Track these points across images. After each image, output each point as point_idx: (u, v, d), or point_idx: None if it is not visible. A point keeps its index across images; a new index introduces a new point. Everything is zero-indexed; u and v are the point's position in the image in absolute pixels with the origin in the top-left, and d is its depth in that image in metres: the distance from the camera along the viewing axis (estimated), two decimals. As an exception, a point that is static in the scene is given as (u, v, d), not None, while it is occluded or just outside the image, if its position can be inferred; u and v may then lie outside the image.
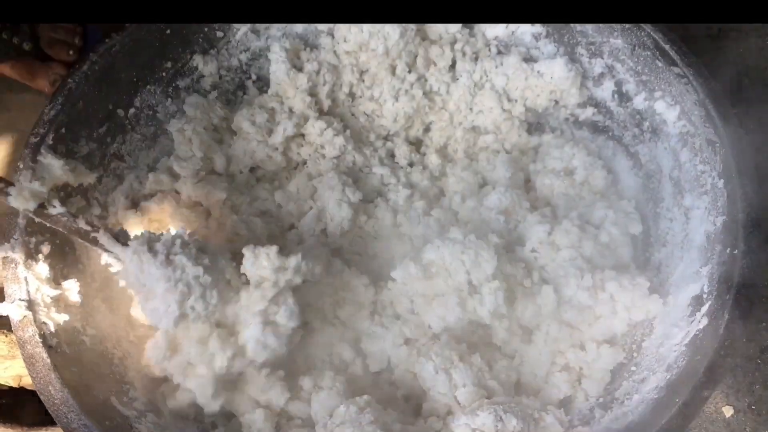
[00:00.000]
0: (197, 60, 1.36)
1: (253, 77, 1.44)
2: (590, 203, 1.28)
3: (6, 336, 1.41)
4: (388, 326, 1.17)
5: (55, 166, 1.12)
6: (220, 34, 1.36)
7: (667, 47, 1.21)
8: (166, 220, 1.27)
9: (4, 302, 1.02)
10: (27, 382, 1.44)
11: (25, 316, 1.01)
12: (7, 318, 1.45)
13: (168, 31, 1.30)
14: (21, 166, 1.11)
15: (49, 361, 0.98)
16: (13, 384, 1.44)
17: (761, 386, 1.36)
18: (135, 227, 1.25)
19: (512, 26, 1.37)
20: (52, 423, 1.43)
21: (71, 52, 1.54)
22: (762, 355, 1.38)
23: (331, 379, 1.11)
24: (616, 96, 1.33)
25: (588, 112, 1.38)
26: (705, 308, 1.04)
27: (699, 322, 1.03)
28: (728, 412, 1.33)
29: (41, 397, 0.96)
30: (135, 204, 1.29)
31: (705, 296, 1.05)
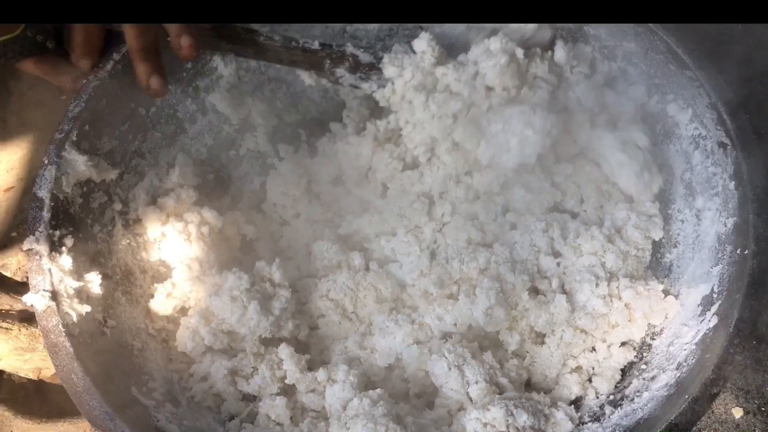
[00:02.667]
0: (217, 61, 1.39)
1: (271, 78, 1.46)
2: (614, 203, 1.29)
3: (26, 329, 1.44)
4: (401, 324, 1.19)
5: (78, 162, 1.16)
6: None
7: (679, 51, 1.22)
8: (184, 214, 1.30)
9: (28, 293, 1.05)
10: (46, 374, 1.47)
11: (49, 307, 1.03)
12: (26, 312, 1.49)
13: (189, 32, 1.33)
14: (46, 161, 1.14)
15: (72, 350, 1.00)
16: (33, 376, 1.47)
17: (771, 388, 1.36)
18: (154, 222, 1.28)
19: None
20: (70, 415, 1.47)
21: None
22: (772, 357, 1.39)
23: (345, 373, 1.13)
24: (628, 99, 1.34)
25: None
26: (715, 307, 1.05)
27: (709, 321, 1.04)
28: (738, 413, 1.34)
29: (64, 386, 0.99)
30: (154, 200, 1.32)
31: (715, 296, 1.07)
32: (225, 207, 1.40)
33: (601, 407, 1.10)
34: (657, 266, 1.24)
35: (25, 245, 1.08)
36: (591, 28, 1.33)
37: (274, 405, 1.12)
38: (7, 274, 1.66)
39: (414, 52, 1.26)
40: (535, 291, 1.23)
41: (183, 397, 1.13)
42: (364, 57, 1.27)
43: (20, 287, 1.63)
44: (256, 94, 1.46)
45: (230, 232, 1.37)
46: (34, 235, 1.08)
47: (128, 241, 1.25)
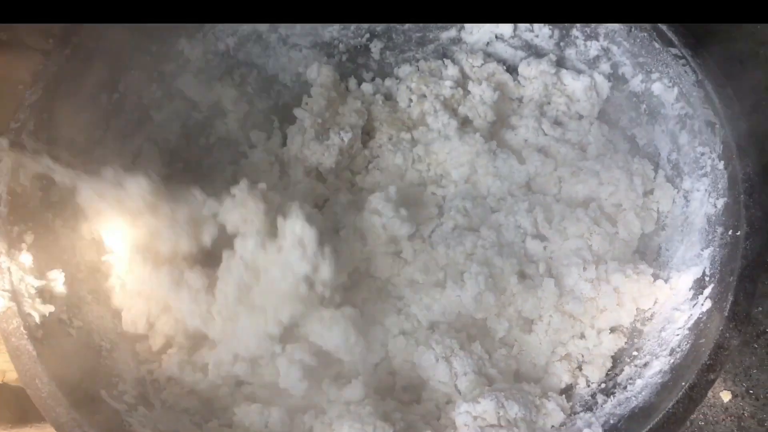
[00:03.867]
0: (183, 43, 1.32)
1: (241, 61, 1.40)
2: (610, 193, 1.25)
3: (-13, 331, 1.36)
4: (388, 315, 1.15)
5: (38, 152, 1.09)
6: (207, 17, 1.32)
7: (664, 28, 1.19)
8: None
9: (-14, 293, 0.98)
10: (11, 378, 1.39)
11: (9, 308, 0.96)
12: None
13: (153, 14, 1.26)
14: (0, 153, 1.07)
15: (35, 353, 0.94)
16: (-4, 380, 1.40)
17: (758, 370, 1.35)
18: (121, 212, 1.21)
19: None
20: (36, 420, 1.40)
21: (50, 41, 1.49)
22: (758, 340, 1.38)
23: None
24: (611, 79, 1.31)
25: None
26: (708, 291, 1.02)
27: (702, 305, 1.01)
28: (726, 396, 1.32)
29: (28, 391, 0.92)
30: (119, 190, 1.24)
31: (707, 279, 1.04)
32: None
33: (593, 396, 1.07)
34: (645, 249, 1.21)
35: (-20, 242, 1.00)
36: (572, 7, 1.29)
37: (249, 411, 1.06)
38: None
39: None
40: (522, 275, 1.19)
41: (156, 399, 1.07)
42: None
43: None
44: (225, 79, 1.40)
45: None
46: (-10, 231, 1.01)
47: (93, 236, 1.18)
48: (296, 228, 1.07)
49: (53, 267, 1.06)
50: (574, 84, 1.33)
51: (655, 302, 1.13)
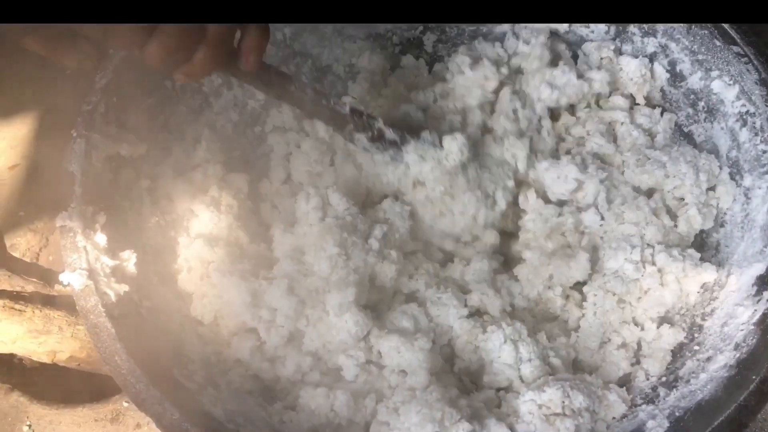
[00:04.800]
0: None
1: (296, 51, 1.42)
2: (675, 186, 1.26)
3: (40, 311, 1.38)
4: (453, 295, 1.17)
5: (108, 135, 1.11)
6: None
7: (726, 26, 1.20)
8: (213, 188, 1.25)
9: (64, 272, 0.99)
10: (61, 358, 1.42)
11: (87, 286, 0.98)
12: (38, 293, 1.44)
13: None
14: (74, 134, 1.08)
15: (113, 331, 0.95)
16: (47, 360, 1.42)
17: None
18: (183, 197, 1.23)
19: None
20: (88, 401, 1.42)
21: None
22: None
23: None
24: (669, 75, 1.32)
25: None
26: (774, 287, 1.03)
27: (767, 300, 1.02)
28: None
29: (107, 368, 0.94)
30: (181, 174, 1.26)
31: (771, 275, 1.05)
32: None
33: (654, 389, 1.08)
34: (702, 246, 1.22)
35: (58, 221, 1.02)
36: (630, 3, 1.30)
37: (314, 395, 1.08)
38: (16, 254, 1.60)
39: (441, 147, 1.22)
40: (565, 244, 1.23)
41: (222, 380, 1.09)
42: (390, 134, 1.21)
43: (30, 268, 1.57)
44: (281, 68, 1.41)
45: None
46: (66, 210, 1.03)
47: (157, 218, 1.20)
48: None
49: (125, 247, 1.08)
50: (630, 63, 1.34)
51: (704, 285, 1.15)
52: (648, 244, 1.19)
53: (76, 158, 1.06)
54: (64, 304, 1.39)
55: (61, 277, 0.98)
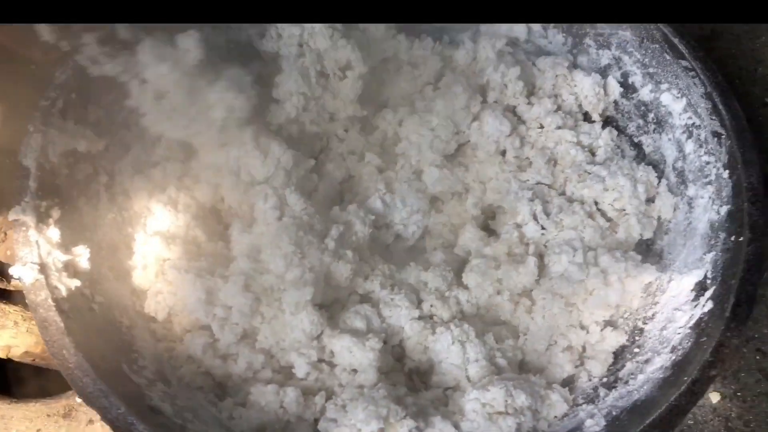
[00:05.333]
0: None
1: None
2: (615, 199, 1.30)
3: (-5, 305, 1.38)
4: (405, 297, 1.19)
5: (65, 130, 1.12)
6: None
7: (675, 41, 1.24)
8: (171, 188, 1.27)
9: (15, 265, 1.00)
10: (15, 353, 1.41)
11: (37, 280, 0.99)
12: (-6, 287, 1.43)
13: (178, 1, 1.28)
14: (31, 129, 1.09)
15: (62, 325, 0.96)
16: (1, 355, 1.41)
17: (746, 374, 1.40)
18: (140, 194, 1.24)
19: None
20: (41, 396, 1.42)
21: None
22: (747, 345, 1.43)
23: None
24: (621, 87, 1.36)
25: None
26: (709, 293, 1.07)
27: (703, 306, 1.06)
28: (715, 398, 1.38)
29: (55, 361, 0.94)
30: (140, 172, 1.27)
31: (709, 282, 1.09)
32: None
33: (595, 389, 1.11)
34: (647, 252, 1.26)
35: (11, 215, 1.03)
36: (586, 16, 1.34)
37: (265, 392, 1.10)
38: (-27, 249, 1.59)
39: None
40: (511, 254, 1.27)
41: (173, 376, 1.10)
42: (124, 31, 1.07)
43: (-13, 262, 1.56)
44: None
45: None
46: (20, 204, 1.03)
47: (113, 215, 1.21)
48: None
49: (78, 243, 1.09)
50: (584, 81, 1.38)
51: (642, 284, 1.19)
52: (589, 247, 1.23)
53: (31, 153, 1.07)
54: (21, 299, 1.38)
55: (12, 271, 0.99)
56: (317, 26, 1.30)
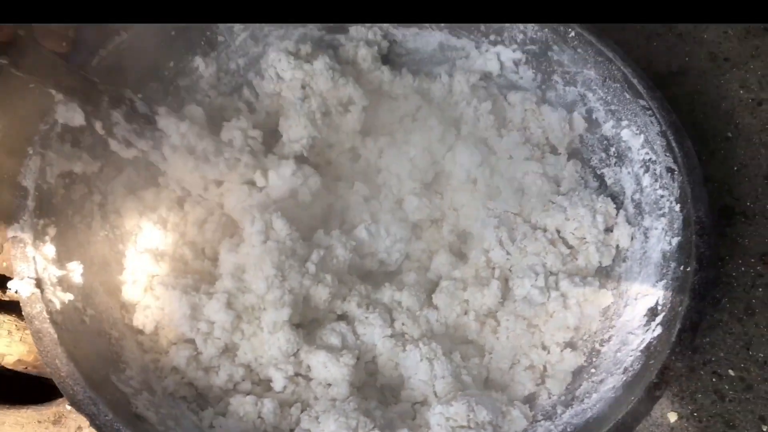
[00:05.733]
0: (198, 61, 1.43)
1: (250, 81, 1.52)
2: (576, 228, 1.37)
3: (-10, 315, 1.44)
4: (379, 316, 1.27)
5: (62, 153, 1.19)
6: (221, 38, 1.44)
7: (635, 81, 1.33)
8: (162, 208, 1.34)
9: (13, 279, 1.07)
10: (9, 361, 1.47)
11: (33, 293, 1.06)
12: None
13: (173, 33, 1.37)
14: (31, 152, 1.16)
15: (56, 336, 1.03)
16: (-5, 363, 1.47)
17: (702, 395, 1.48)
18: (131, 213, 1.32)
19: (498, 53, 1.49)
20: (33, 402, 1.47)
21: (64, 44, 1.58)
22: (704, 367, 1.51)
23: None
24: (586, 123, 1.45)
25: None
26: (659, 318, 1.15)
27: (653, 330, 1.14)
28: (673, 417, 1.45)
29: (48, 370, 1.02)
30: (132, 193, 1.35)
31: (659, 308, 1.17)
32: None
33: (553, 407, 1.19)
34: (607, 278, 1.34)
35: (10, 233, 1.10)
36: (555, 54, 1.43)
37: (243, 402, 1.17)
38: (-30, 260, 1.65)
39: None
40: (477, 278, 1.35)
41: (158, 386, 1.17)
42: (141, 106, 1.24)
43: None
44: (233, 95, 1.51)
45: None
46: (18, 222, 1.11)
47: (106, 232, 1.28)
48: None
49: (72, 259, 1.16)
50: (552, 115, 1.47)
51: (605, 317, 1.28)
52: (551, 272, 1.32)
53: (30, 174, 1.15)
54: (15, 309, 1.44)
55: (10, 285, 1.06)
56: (318, 68, 1.40)
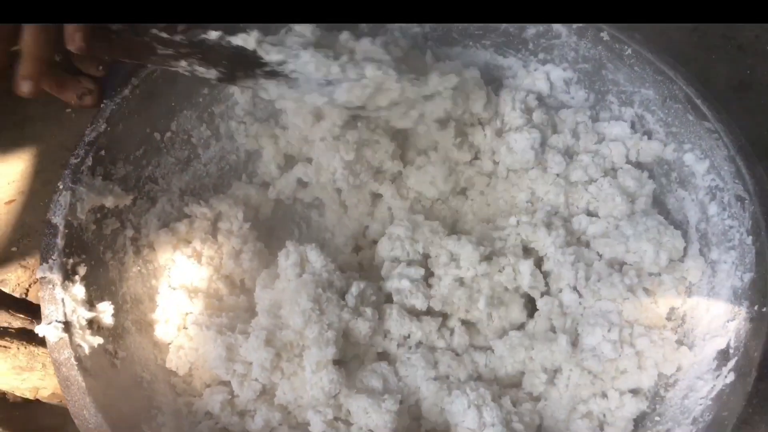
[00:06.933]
0: (233, 88, 1.38)
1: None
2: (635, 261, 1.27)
3: (25, 347, 1.41)
4: (423, 357, 1.19)
5: (93, 188, 1.15)
6: (257, 63, 1.39)
7: (698, 102, 1.23)
8: (197, 240, 1.29)
9: (41, 323, 1.03)
10: (43, 394, 1.44)
11: (61, 338, 1.01)
12: (24, 329, 1.46)
13: (208, 59, 1.32)
14: (61, 186, 1.12)
15: (84, 384, 0.99)
16: (30, 396, 1.45)
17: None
18: (165, 247, 1.27)
19: (547, 72, 1.40)
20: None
21: (101, 68, 1.55)
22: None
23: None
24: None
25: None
26: (731, 363, 1.05)
27: (725, 377, 1.04)
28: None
29: (76, 421, 0.97)
30: (166, 225, 1.30)
31: (731, 351, 1.07)
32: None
33: (614, 458, 1.10)
34: (670, 315, 1.24)
35: (39, 273, 1.06)
36: (609, 73, 1.34)
37: None
38: (6, 290, 1.63)
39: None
40: (552, 328, 1.24)
41: (192, 432, 1.12)
42: (274, 53, 1.12)
43: (18, 303, 1.60)
44: (269, 122, 1.46)
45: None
46: (47, 262, 1.06)
47: (138, 268, 1.24)
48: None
49: (102, 299, 1.12)
50: (614, 127, 1.38)
51: (678, 369, 1.16)
52: (627, 321, 1.20)
53: (59, 210, 1.10)
54: (49, 342, 1.42)
55: (37, 329, 1.02)
56: None
